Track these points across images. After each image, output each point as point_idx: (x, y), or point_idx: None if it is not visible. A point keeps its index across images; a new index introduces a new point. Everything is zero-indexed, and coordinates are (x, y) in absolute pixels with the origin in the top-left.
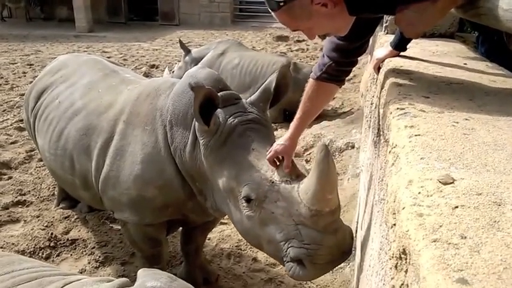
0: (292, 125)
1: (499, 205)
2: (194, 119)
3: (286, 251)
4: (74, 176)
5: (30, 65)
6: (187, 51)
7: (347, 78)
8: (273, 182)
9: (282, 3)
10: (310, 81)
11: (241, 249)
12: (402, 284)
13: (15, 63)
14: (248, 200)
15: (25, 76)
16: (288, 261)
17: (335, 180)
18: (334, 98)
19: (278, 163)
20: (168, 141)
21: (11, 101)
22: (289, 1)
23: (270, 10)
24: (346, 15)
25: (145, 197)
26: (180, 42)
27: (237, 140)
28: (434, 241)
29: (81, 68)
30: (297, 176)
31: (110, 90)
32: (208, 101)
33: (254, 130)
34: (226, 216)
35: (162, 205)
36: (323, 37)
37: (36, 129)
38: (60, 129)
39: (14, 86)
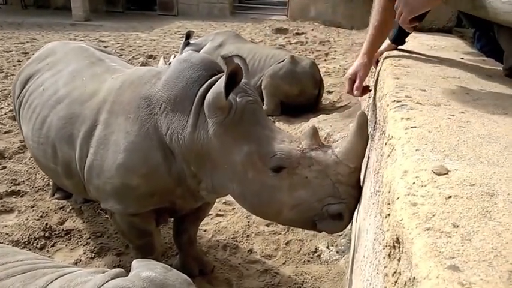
0: (366, 41)
1: (492, 196)
2: (195, 101)
3: (322, 209)
4: (57, 164)
5: (25, 53)
6: (187, 44)
7: (345, 72)
8: (303, 150)
9: None
10: None
11: (237, 241)
12: (395, 272)
13: (10, 51)
14: (279, 169)
15: (20, 64)
16: (323, 219)
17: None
18: (331, 92)
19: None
20: (159, 129)
21: (5, 89)
22: None
23: None
24: None
25: (129, 185)
26: (189, 33)
27: (251, 117)
28: (427, 229)
29: (67, 55)
30: (322, 144)
31: (94, 78)
32: (231, 77)
33: (258, 110)
34: (223, 208)
35: (146, 193)
36: None
37: (21, 116)
38: (43, 117)
39: (9, 74)
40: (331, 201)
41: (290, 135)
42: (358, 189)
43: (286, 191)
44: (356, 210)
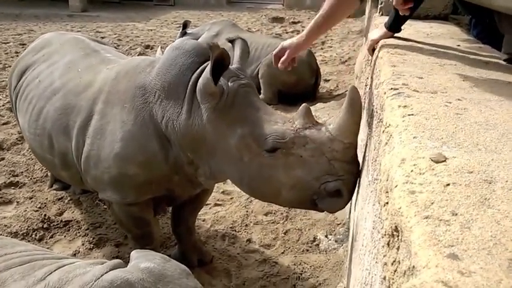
0: (308, 26)
1: (490, 183)
2: (188, 87)
3: (319, 187)
4: (53, 155)
5: (23, 44)
6: (184, 33)
7: (342, 60)
8: (297, 130)
9: None
10: None
11: (235, 231)
12: (394, 261)
13: (8, 43)
14: (274, 150)
15: (17, 56)
16: (322, 197)
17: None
18: (328, 81)
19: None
20: (154, 117)
21: (2, 81)
22: None
23: None
24: None
25: (126, 174)
26: (185, 23)
27: (243, 101)
28: (426, 218)
29: (63, 46)
30: (316, 122)
31: (89, 69)
32: (218, 63)
33: (251, 93)
34: (221, 198)
35: (144, 182)
36: None
37: (17, 108)
38: (39, 109)
39: (7, 65)
40: (329, 179)
41: (283, 116)
42: (355, 164)
43: (282, 171)
44: (354, 195)
